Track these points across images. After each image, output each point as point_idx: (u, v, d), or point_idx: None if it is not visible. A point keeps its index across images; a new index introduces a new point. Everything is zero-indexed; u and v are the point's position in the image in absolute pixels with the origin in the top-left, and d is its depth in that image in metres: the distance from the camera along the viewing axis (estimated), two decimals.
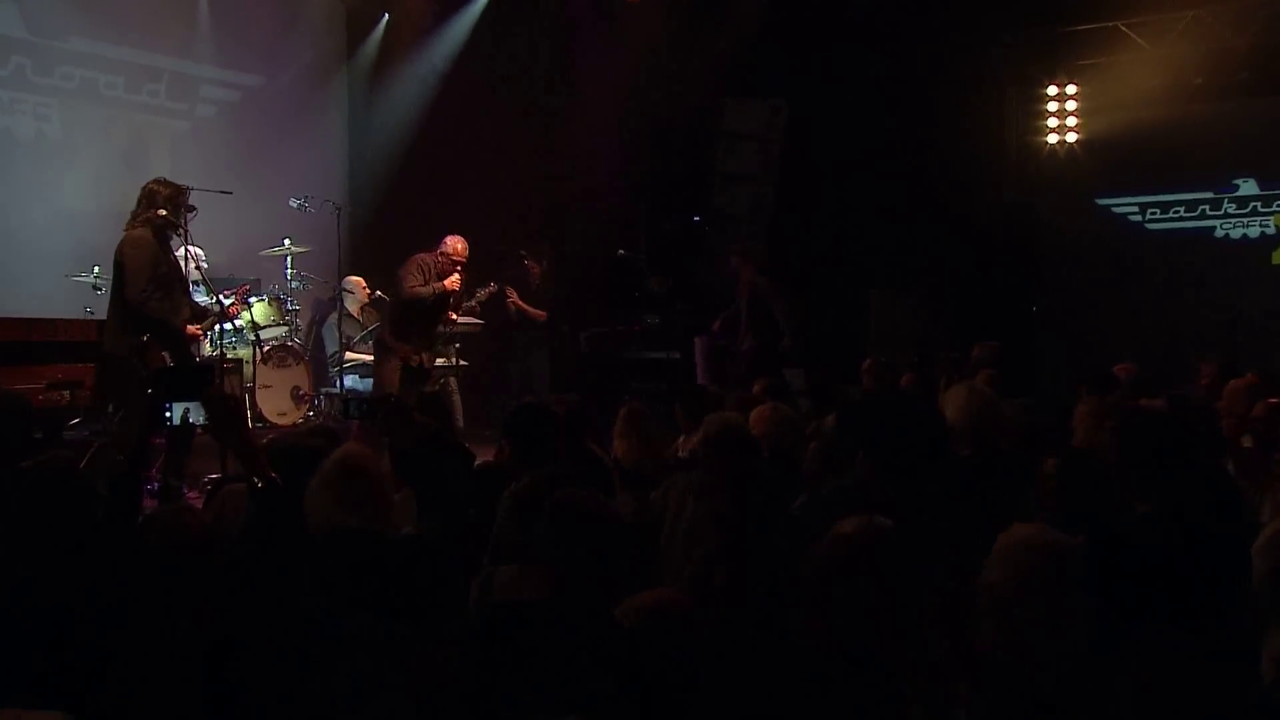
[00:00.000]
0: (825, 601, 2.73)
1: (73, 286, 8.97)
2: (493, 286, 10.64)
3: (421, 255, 8.69)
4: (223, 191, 8.81)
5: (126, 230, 7.26)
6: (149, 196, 7.25)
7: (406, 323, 8.71)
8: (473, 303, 10.65)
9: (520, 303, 11.00)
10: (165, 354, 7.15)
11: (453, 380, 10.26)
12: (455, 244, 8.70)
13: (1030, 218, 11.90)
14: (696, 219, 12.58)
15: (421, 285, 8.59)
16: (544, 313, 11.00)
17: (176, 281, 7.35)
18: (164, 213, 7.22)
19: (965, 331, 9.68)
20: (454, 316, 8.98)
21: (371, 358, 9.56)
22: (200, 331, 7.51)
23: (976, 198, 11.30)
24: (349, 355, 10.23)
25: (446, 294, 8.69)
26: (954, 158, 11.22)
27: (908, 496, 3.54)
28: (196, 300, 8.09)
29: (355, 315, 10.54)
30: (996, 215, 11.47)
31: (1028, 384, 9.07)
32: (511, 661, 2.76)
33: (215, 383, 3.85)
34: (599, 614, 2.83)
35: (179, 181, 7.60)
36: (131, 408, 7.33)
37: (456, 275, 8.68)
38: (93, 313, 8.54)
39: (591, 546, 2.92)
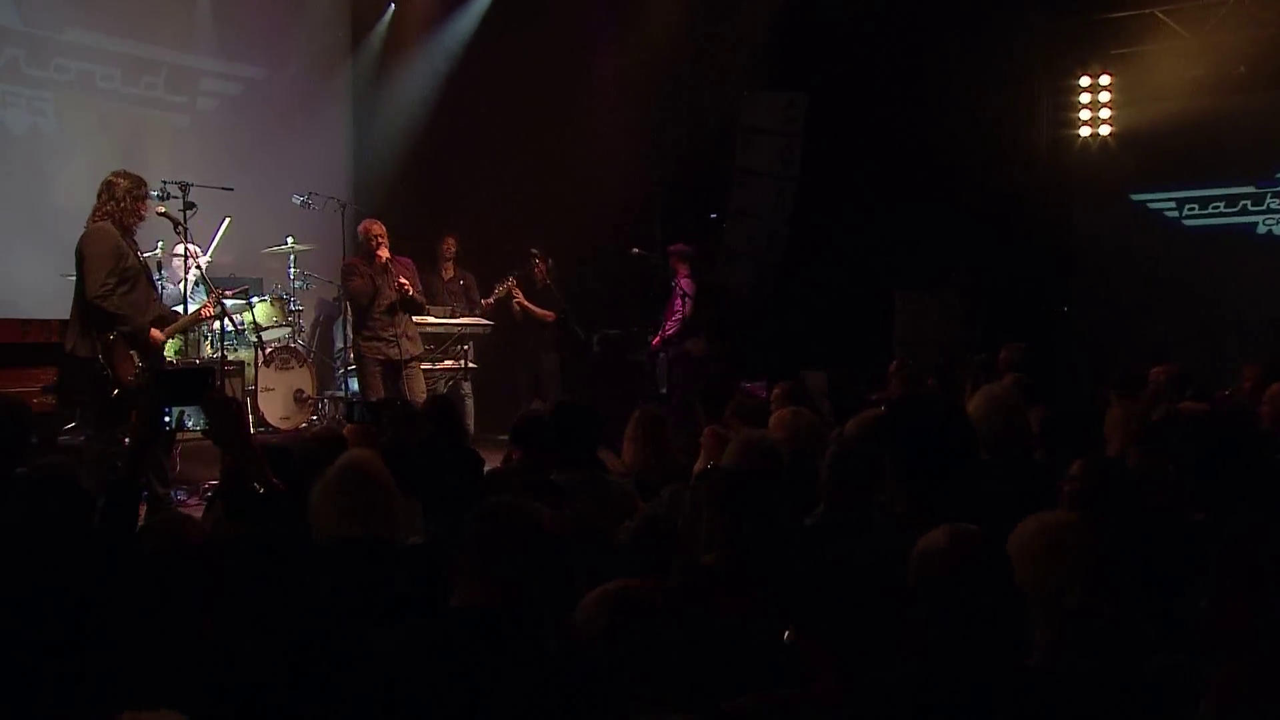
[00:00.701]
0: (928, 621, 2.69)
1: (69, 286, 8.95)
2: (511, 281, 10.69)
3: (349, 259, 9.11)
4: (223, 188, 8.86)
5: (87, 224, 7.22)
6: (108, 188, 7.21)
7: (368, 321, 8.90)
8: (490, 300, 10.71)
9: (526, 302, 11.02)
10: (133, 354, 7.10)
11: (465, 384, 10.29)
12: (367, 226, 9.07)
13: (1062, 214, 11.86)
14: (714, 216, 12.57)
15: (360, 280, 8.85)
16: (552, 313, 11.02)
17: (141, 278, 7.28)
18: (123, 205, 7.16)
19: (994, 333, 9.66)
20: (404, 283, 8.95)
21: None
22: (162, 336, 7.37)
23: (1005, 194, 11.26)
24: (353, 357, 10.25)
25: (384, 270, 8.84)
26: (982, 152, 11.19)
27: (932, 505, 3.53)
28: (173, 302, 8.10)
29: None
30: (1026, 212, 11.42)
31: (1059, 388, 9.03)
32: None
33: (217, 385, 3.84)
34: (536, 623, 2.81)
35: (180, 178, 7.64)
36: (96, 413, 7.32)
37: (383, 250, 8.85)
38: None
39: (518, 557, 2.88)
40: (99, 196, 7.23)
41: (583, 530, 4.03)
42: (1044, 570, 2.90)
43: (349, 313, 10.22)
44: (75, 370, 7.21)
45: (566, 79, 12.03)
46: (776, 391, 6.56)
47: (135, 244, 7.39)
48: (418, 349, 9.21)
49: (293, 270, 10.25)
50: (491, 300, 10.77)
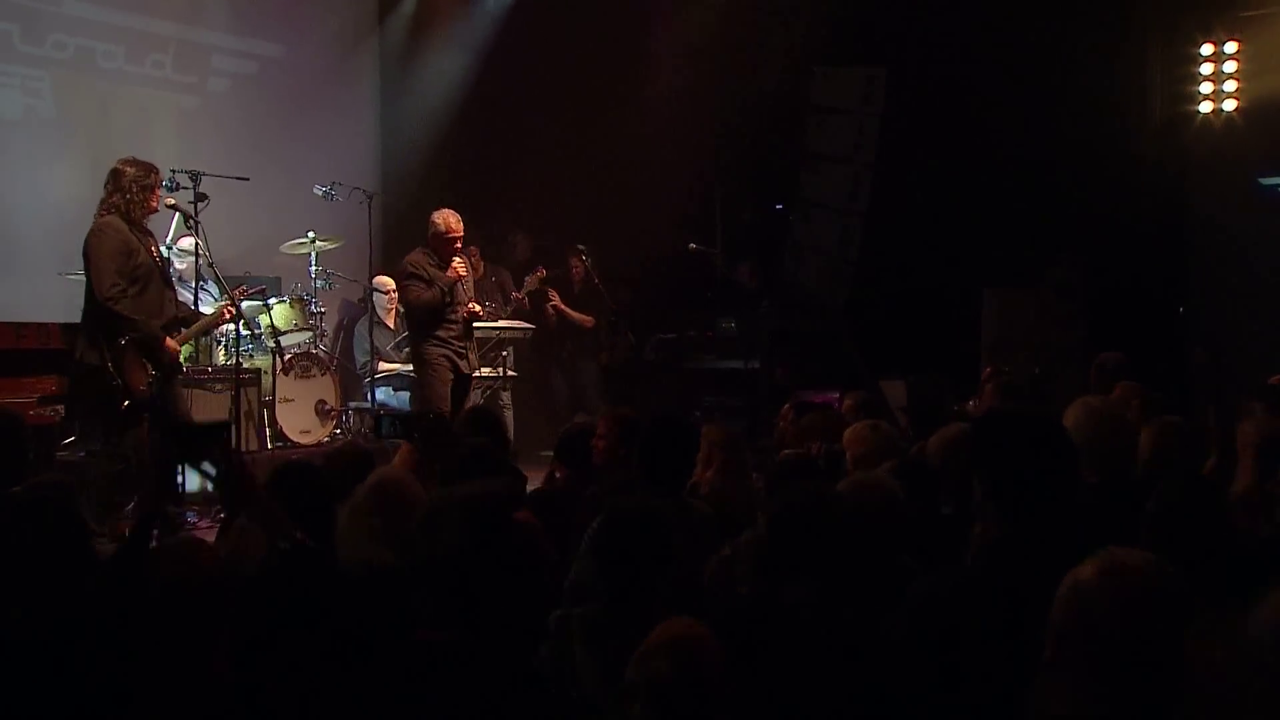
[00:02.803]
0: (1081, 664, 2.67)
1: (68, 286, 9.11)
2: (541, 271, 10.74)
3: (413, 256, 8.76)
4: (238, 178, 8.95)
5: (94, 219, 7.35)
6: (114, 178, 7.33)
7: (431, 329, 8.75)
8: (520, 294, 10.76)
9: (562, 306, 11.08)
10: (146, 362, 7.22)
11: (505, 394, 10.35)
12: (445, 220, 8.74)
13: (1178, 201, 11.71)
14: (780, 207, 12.56)
15: (425, 290, 8.64)
16: (591, 318, 11.08)
17: (155, 277, 7.39)
18: (129, 196, 7.27)
19: (1100, 336, 9.58)
20: (475, 308, 8.97)
21: (407, 367, 9.68)
22: (178, 346, 7.46)
23: (1113, 178, 11.14)
24: (381, 365, 10.35)
25: (454, 283, 8.71)
26: (1086, 131, 11.07)
27: (1027, 530, 3.53)
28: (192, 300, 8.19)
29: (388, 320, 10.67)
30: (1137, 199, 11.29)
31: (1176, 398, 8.93)
32: None
33: (227, 446, 3.92)
34: None
35: (190, 167, 7.73)
36: (104, 425, 7.43)
37: (458, 261, 8.73)
38: None
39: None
40: (105, 187, 7.36)
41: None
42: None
43: (373, 313, 10.33)
44: (83, 379, 7.35)
45: (615, 55, 12.07)
46: (848, 403, 6.55)
47: (150, 238, 7.51)
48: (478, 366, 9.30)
49: (314, 269, 10.31)
50: (523, 294, 10.78)
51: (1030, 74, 10.98)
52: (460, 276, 8.71)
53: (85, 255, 7.24)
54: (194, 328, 7.77)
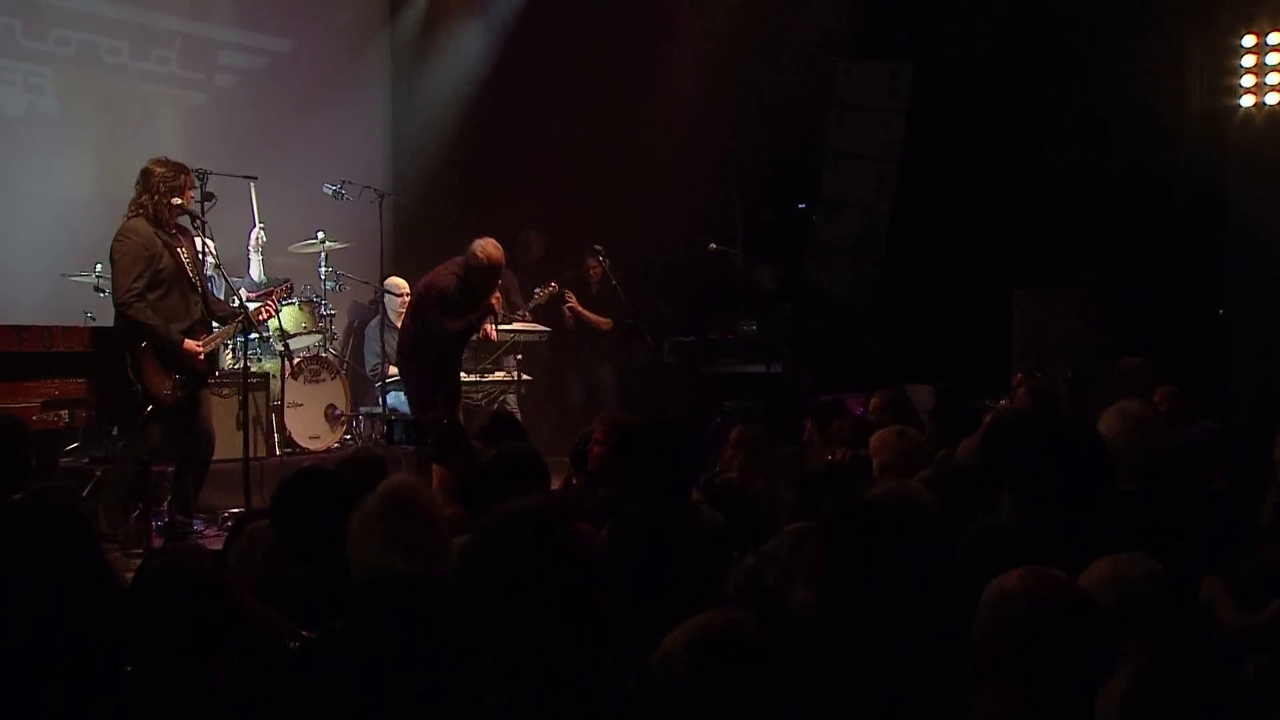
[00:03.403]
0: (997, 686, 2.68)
1: (71, 288, 9.17)
2: (552, 286, 10.73)
3: (445, 281, 8.50)
4: (246, 176, 8.97)
5: (124, 219, 7.44)
6: (143, 178, 7.42)
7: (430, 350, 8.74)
8: (527, 310, 10.78)
9: (579, 308, 11.09)
10: (167, 368, 7.28)
11: (512, 399, 10.35)
12: (487, 253, 8.42)
13: (1217, 200, 11.63)
14: (802, 206, 12.55)
15: (456, 321, 8.53)
16: (608, 320, 11.08)
17: (181, 280, 7.45)
18: (156, 198, 7.33)
19: (1134, 339, 9.53)
20: (491, 333, 9.00)
21: None
22: (200, 349, 7.46)
23: (1149, 175, 11.09)
24: (392, 369, 10.33)
25: (482, 317, 8.69)
26: (1120, 126, 11.02)
27: (1059, 540, 3.52)
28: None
29: (399, 323, 10.65)
30: (1174, 196, 11.23)
31: (1214, 404, 8.89)
32: None
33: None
34: None
35: (197, 166, 7.75)
36: (124, 429, 7.51)
37: (496, 296, 8.67)
38: (94, 318, 8.73)
39: None
40: (135, 187, 7.47)
41: None
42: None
43: (385, 316, 10.34)
44: (108, 385, 7.46)
45: (632, 50, 12.07)
46: (876, 401, 6.53)
47: (184, 238, 7.58)
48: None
49: (323, 270, 10.33)
50: (530, 306, 10.81)
51: (1061, 67, 10.94)
52: (496, 313, 8.71)
53: (110, 259, 7.39)
54: (221, 331, 7.77)
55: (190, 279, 7.54)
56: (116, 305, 7.27)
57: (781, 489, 5.85)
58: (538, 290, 10.80)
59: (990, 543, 3.69)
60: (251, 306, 8.13)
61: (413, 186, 12.12)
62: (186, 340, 7.39)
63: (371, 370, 10.66)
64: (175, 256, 7.42)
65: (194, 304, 7.58)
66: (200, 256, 7.83)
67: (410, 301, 9.15)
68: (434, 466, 5.24)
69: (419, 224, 11.90)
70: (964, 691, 2.67)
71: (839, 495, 4.01)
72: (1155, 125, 11.27)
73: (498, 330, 9.93)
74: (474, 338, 8.85)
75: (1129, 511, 3.98)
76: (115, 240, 7.35)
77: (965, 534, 3.89)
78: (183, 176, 7.45)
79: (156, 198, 7.34)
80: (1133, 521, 3.86)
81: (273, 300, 8.18)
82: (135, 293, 7.22)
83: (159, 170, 7.40)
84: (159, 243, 7.34)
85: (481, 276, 8.43)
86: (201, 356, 7.51)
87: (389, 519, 3.47)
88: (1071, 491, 3.69)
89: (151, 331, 7.25)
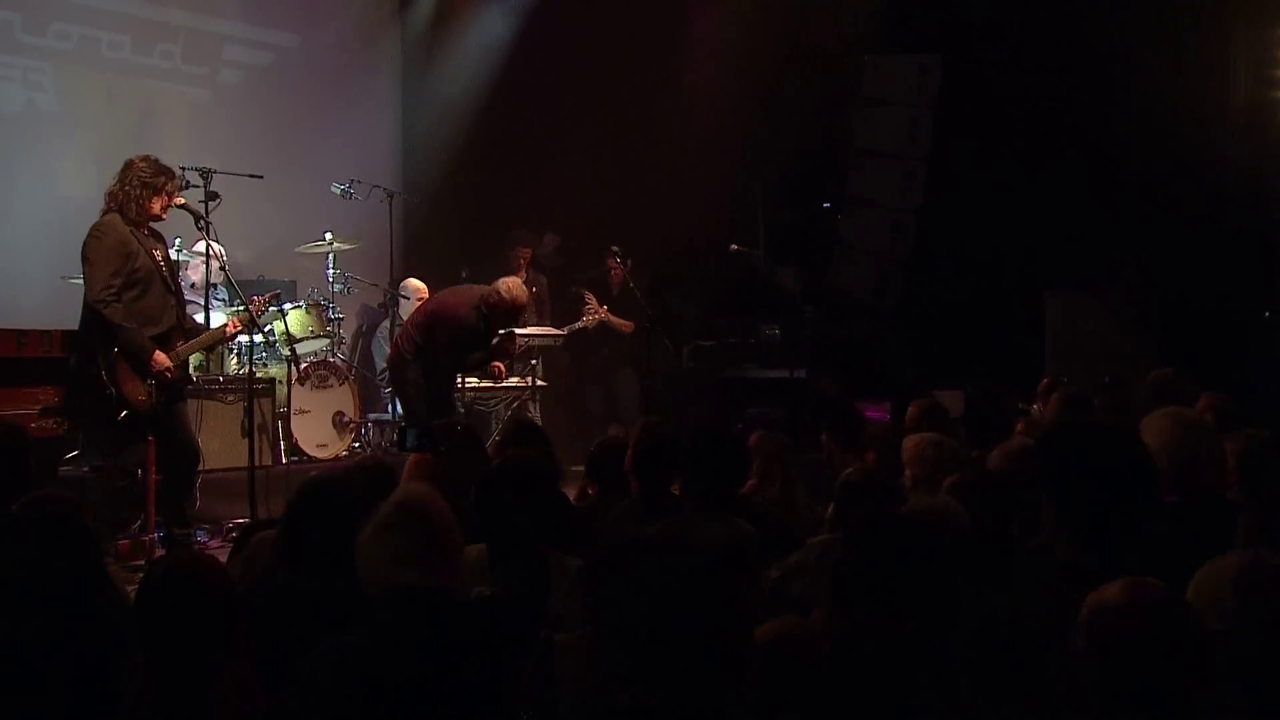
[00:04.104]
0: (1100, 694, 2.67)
1: (71, 290, 9.15)
2: (594, 300, 10.78)
3: (461, 313, 8.59)
4: (251, 175, 8.97)
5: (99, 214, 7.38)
6: (123, 171, 7.33)
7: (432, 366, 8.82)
8: (576, 327, 10.82)
9: (604, 312, 11.07)
10: (147, 378, 7.19)
11: (532, 405, 10.34)
12: (514, 294, 8.56)
13: (1261, 197, 11.58)
14: (826, 205, 12.52)
15: (478, 354, 8.83)
16: (631, 324, 11.06)
17: (155, 281, 7.36)
18: (126, 188, 7.25)
19: (1175, 343, 9.49)
20: (501, 370, 9.46)
21: None
22: (167, 360, 7.27)
23: (1189, 172, 11.02)
24: None
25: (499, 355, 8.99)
26: (1159, 121, 10.95)
27: (1100, 554, 3.47)
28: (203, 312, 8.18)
29: None
30: (1215, 194, 11.17)
31: (1256, 412, 8.82)
32: None
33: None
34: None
35: (201, 164, 7.74)
36: (101, 440, 7.44)
37: (514, 333, 8.96)
38: None
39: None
40: (115, 177, 7.39)
41: None
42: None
43: (395, 318, 10.33)
44: (80, 389, 7.36)
45: (653, 44, 12.07)
46: (913, 411, 6.49)
47: (158, 242, 7.51)
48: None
49: (331, 271, 10.33)
50: (578, 326, 10.90)
51: (1097, 59, 10.89)
52: (511, 355, 9.09)
53: (83, 255, 7.25)
54: (195, 341, 7.68)
55: (166, 280, 7.46)
56: (92, 303, 7.12)
57: (802, 497, 5.82)
58: (585, 316, 10.91)
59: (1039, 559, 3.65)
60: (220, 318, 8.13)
61: (423, 185, 12.13)
62: (158, 352, 7.24)
63: (380, 372, 10.65)
64: (151, 256, 7.34)
65: (170, 308, 7.49)
66: (206, 260, 7.81)
67: (420, 313, 9.13)
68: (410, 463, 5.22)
69: (430, 224, 11.91)
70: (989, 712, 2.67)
71: (869, 508, 3.98)
72: (1196, 119, 11.19)
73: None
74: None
75: (1176, 522, 3.93)
76: (89, 236, 7.23)
77: (1019, 551, 3.85)
78: (162, 178, 7.32)
79: (128, 190, 7.23)
80: (1180, 533, 3.81)
81: (236, 320, 7.95)
82: (112, 290, 7.11)
83: (139, 165, 7.30)
84: (134, 240, 7.25)
85: (503, 318, 8.64)
86: (171, 371, 7.32)
87: (402, 531, 3.45)
88: (1113, 503, 3.64)
89: (122, 334, 7.13)
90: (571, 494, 5.99)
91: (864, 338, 11.64)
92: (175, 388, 7.43)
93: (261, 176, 9.13)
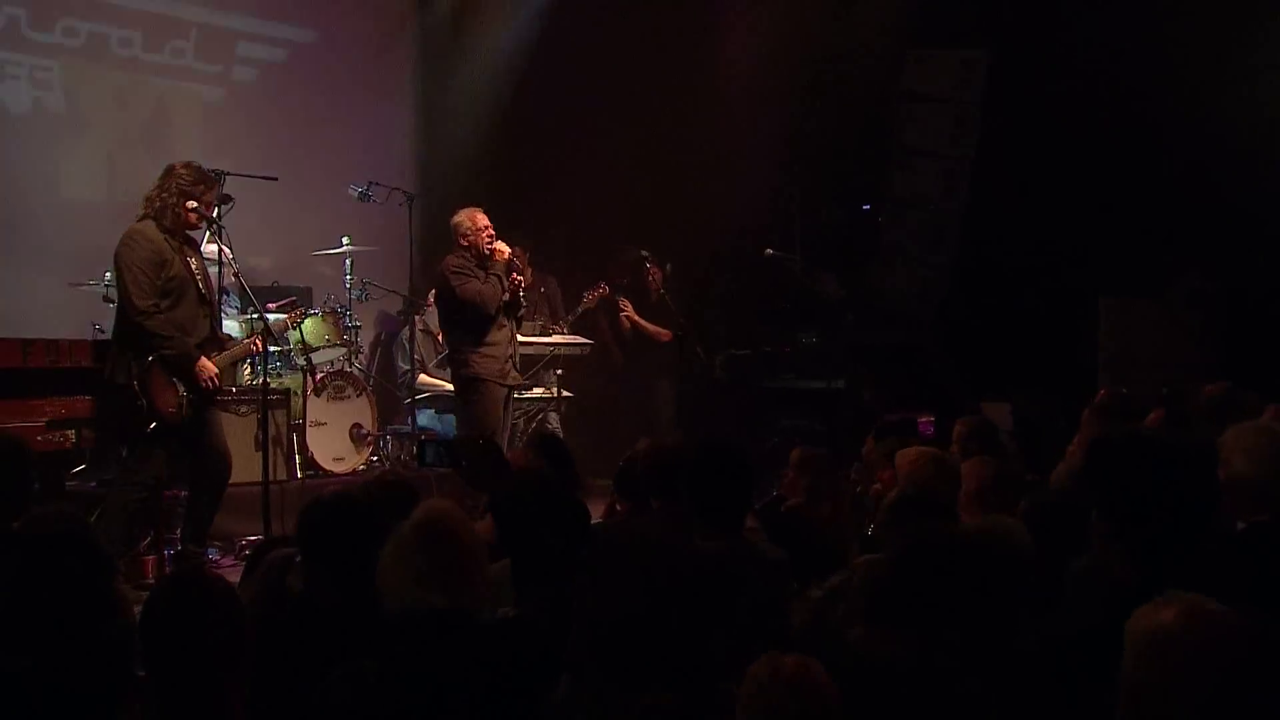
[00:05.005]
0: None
1: (79, 297, 9.22)
2: (602, 289, 10.70)
3: (450, 259, 8.87)
4: (266, 177, 9.00)
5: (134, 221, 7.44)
6: (164, 176, 7.41)
7: (483, 333, 8.80)
8: (578, 311, 10.75)
9: (636, 317, 11.04)
10: (176, 382, 7.27)
11: (554, 416, 10.33)
12: (470, 217, 8.94)
13: None
14: (866, 207, 12.50)
15: (482, 283, 8.74)
16: (668, 331, 11.03)
17: (190, 291, 7.43)
18: (165, 196, 7.32)
19: (1240, 352, 9.41)
20: (520, 279, 9.14)
21: (450, 386, 9.66)
22: (214, 368, 7.40)
23: (1251, 173, 10.94)
24: (424, 380, 10.32)
25: (507, 270, 8.86)
26: (1223, 116, 10.87)
27: (1161, 575, 3.44)
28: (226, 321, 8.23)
29: (434, 332, 10.61)
30: None
31: None
32: None
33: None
34: None
35: (214, 165, 7.77)
36: (128, 450, 7.50)
37: (499, 243, 8.89)
38: (102, 330, 8.73)
39: None
40: (156, 185, 7.45)
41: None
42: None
43: (414, 325, 10.32)
44: (111, 399, 7.45)
45: (684, 40, 12.07)
46: (960, 430, 6.45)
47: (192, 249, 7.57)
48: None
49: (349, 277, 10.31)
50: (579, 312, 10.79)
51: (1155, 53, 10.80)
52: (507, 254, 8.88)
53: (116, 265, 7.34)
54: (227, 354, 7.74)
55: (201, 291, 7.53)
56: (134, 316, 7.18)
57: (851, 515, 5.79)
58: (586, 295, 10.77)
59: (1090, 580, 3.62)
60: (274, 318, 8.14)
61: (443, 187, 12.14)
62: (203, 359, 7.36)
63: (401, 375, 10.63)
64: (186, 265, 7.41)
65: (204, 318, 7.56)
66: (218, 265, 7.84)
67: (439, 313, 9.18)
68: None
69: (450, 228, 11.89)
70: None
71: (924, 527, 3.95)
72: (1264, 115, 11.06)
73: (537, 343, 9.99)
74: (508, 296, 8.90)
75: (1259, 546, 3.87)
76: (122, 244, 7.29)
77: (1068, 572, 3.82)
78: (200, 186, 7.42)
79: (166, 196, 7.32)
80: (1262, 556, 3.76)
81: (258, 334, 8.00)
82: (153, 303, 7.18)
83: (179, 171, 7.39)
84: (169, 248, 7.32)
85: (476, 234, 8.84)
86: (216, 379, 7.45)
87: (425, 551, 3.45)
88: (1172, 521, 3.61)
89: (169, 344, 7.22)
90: (600, 510, 5.99)
91: (905, 346, 11.59)
92: (208, 394, 7.49)
93: (276, 178, 9.16)
